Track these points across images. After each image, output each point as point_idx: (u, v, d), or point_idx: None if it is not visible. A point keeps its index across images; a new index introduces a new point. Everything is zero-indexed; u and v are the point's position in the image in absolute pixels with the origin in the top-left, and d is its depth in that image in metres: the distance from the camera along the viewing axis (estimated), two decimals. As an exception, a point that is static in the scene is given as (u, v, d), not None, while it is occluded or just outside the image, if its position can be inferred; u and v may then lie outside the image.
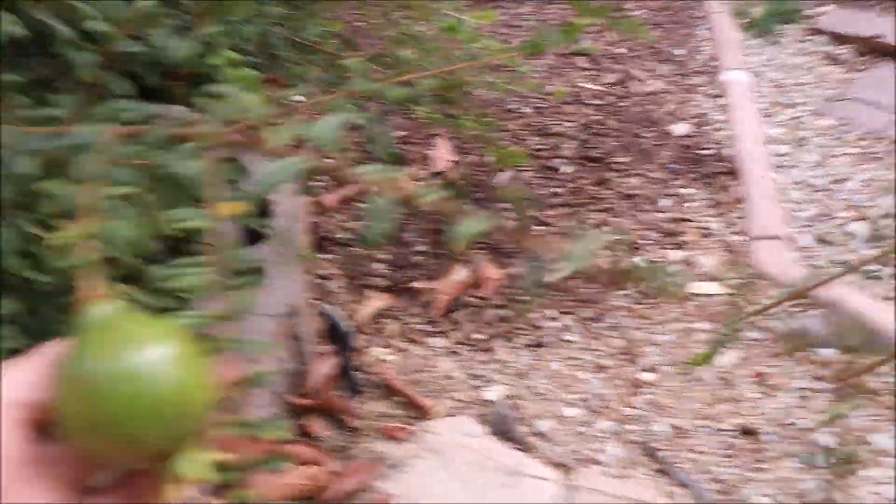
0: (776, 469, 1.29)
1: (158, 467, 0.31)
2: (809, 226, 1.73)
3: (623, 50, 2.37)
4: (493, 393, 1.40)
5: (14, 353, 0.61)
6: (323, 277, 1.58)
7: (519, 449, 1.28)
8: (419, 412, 1.34)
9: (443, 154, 1.89)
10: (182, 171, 0.33)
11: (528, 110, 2.10)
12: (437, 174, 1.85)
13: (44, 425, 0.30)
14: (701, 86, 2.21)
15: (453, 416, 1.34)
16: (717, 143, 1.96)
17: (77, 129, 0.31)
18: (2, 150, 0.33)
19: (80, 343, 0.31)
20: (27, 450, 0.29)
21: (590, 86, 2.20)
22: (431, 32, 1.11)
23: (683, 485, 1.26)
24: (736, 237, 1.70)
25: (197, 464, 0.31)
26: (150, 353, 0.31)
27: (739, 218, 1.74)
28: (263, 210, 1.35)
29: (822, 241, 1.69)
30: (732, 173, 1.86)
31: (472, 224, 0.32)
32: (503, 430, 1.31)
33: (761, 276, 1.60)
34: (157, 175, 0.33)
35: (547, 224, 1.73)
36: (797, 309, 1.53)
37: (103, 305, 0.32)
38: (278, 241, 1.49)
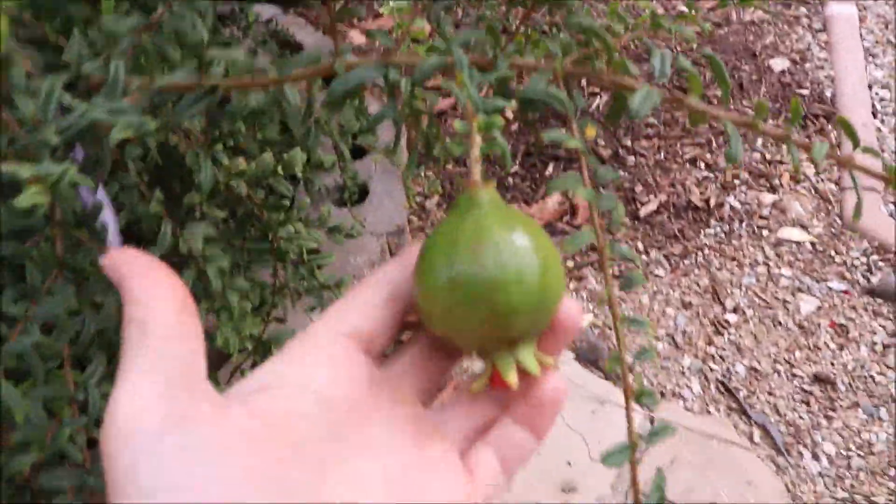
0: (846, 418, 1.35)
1: (488, 367, 0.31)
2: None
3: (725, -30, 2.28)
4: (582, 321, 1.45)
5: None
6: (421, 195, 1.63)
7: (606, 378, 1.35)
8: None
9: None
10: (545, 96, 0.37)
11: (622, 31, 2.05)
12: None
13: (381, 351, 0.33)
14: (804, 17, 2.14)
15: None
16: (817, 83, 1.92)
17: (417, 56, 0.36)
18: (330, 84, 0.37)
19: (474, 217, 0.31)
20: (370, 372, 0.32)
21: (686, 9, 2.14)
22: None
23: (759, 425, 1.33)
24: (830, 185, 1.70)
25: (534, 359, 0.31)
26: (538, 236, 0.31)
27: (835, 165, 1.73)
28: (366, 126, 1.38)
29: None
30: (831, 117, 1.83)
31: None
32: (592, 358, 1.38)
33: (851, 228, 1.62)
34: (522, 98, 0.38)
35: (640, 155, 1.74)
36: (884, 263, 1.56)
37: (487, 190, 0.32)
38: (381, 156, 1.52)
